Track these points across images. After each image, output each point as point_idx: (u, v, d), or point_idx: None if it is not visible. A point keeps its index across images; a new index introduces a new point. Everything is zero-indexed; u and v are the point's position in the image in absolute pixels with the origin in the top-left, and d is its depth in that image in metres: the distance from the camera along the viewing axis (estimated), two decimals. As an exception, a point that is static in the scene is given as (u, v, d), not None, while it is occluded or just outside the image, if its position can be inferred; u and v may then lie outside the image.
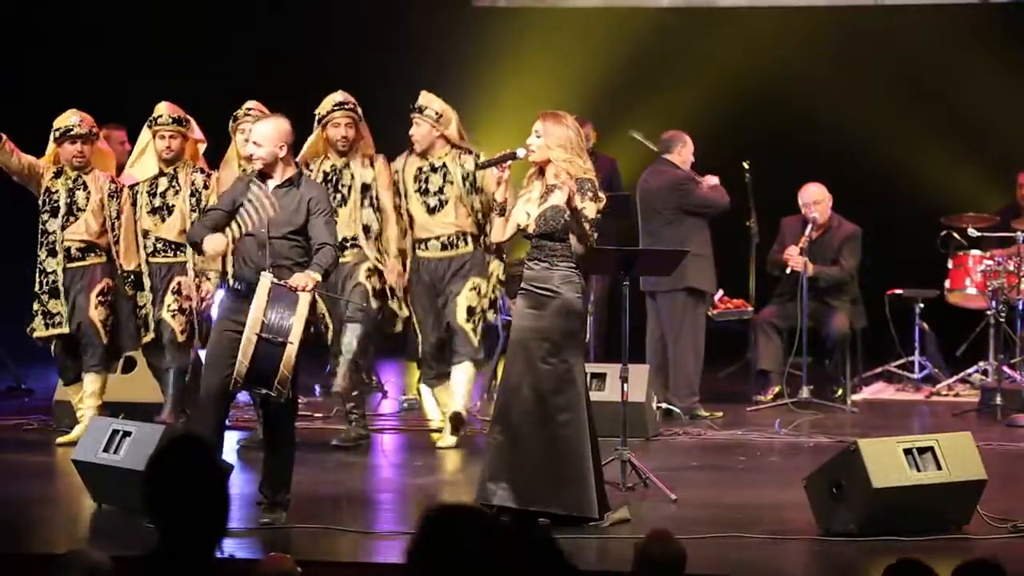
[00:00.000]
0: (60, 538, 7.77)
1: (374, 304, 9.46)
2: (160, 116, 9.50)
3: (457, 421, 9.48)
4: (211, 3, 13.76)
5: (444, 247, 9.50)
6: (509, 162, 7.53)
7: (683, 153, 10.97)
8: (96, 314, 9.52)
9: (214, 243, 7.38)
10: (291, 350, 7.01)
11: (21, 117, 10.13)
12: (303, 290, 7.08)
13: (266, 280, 7.09)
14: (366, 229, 9.48)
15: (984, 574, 4.43)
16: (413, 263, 9.56)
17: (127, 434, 7.75)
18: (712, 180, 10.92)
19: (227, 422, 7.82)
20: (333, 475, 8.77)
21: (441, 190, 9.47)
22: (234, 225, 7.46)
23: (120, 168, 10.05)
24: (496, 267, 9.64)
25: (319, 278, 7.21)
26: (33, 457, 9.38)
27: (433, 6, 14.14)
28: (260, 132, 7.45)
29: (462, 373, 9.51)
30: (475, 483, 7.64)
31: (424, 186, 9.51)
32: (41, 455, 9.41)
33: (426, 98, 9.55)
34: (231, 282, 7.56)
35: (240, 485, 8.04)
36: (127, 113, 10.74)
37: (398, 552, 7.00)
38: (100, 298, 9.53)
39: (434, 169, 9.51)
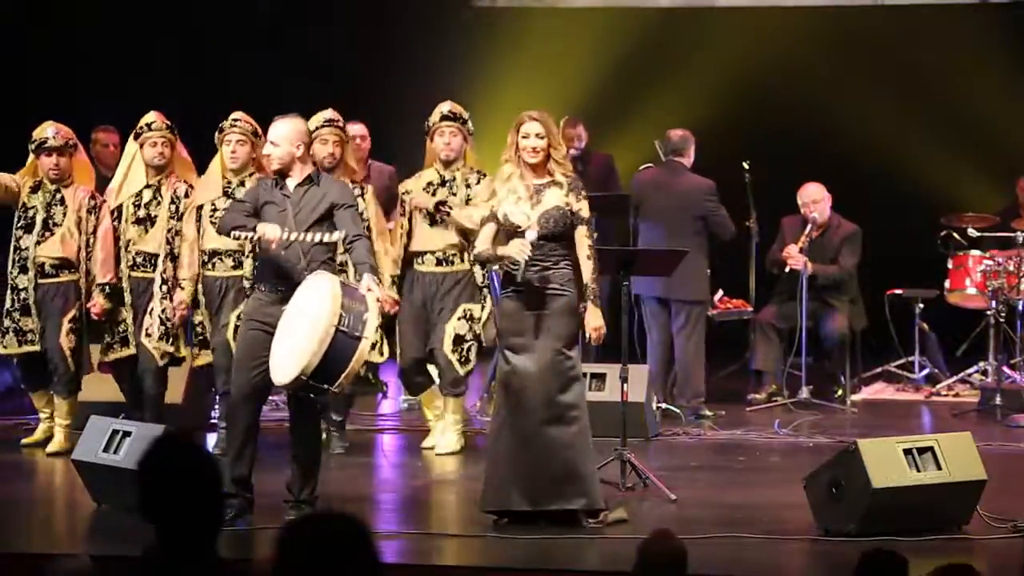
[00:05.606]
0: (60, 538, 7.78)
1: None
2: (153, 123, 9.33)
3: None
4: (205, 4, 13.76)
5: (439, 263, 9.40)
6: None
7: (691, 155, 10.92)
8: (66, 342, 9.37)
9: (271, 229, 7.30)
10: (365, 345, 7.00)
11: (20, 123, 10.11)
12: (369, 291, 7.09)
13: (330, 278, 7.08)
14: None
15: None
16: (409, 277, 9.46)
17: (127, 434, 7.76)
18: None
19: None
20: (333, 475, 8.76)
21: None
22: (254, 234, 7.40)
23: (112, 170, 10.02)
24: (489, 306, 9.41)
25: (378, 279, 7.30)
26: (32, 457, 9.39)
27: (432, 6, 14.14)
28: (277, 132, 7.52)
29: (450, 413, 9.43)
30: (472, 482, 7.64)
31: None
32: (40, 455, 9.41)
33: (458, 108, 9.41)
34: (260, 286, 7.50)
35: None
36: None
37: (397, 552, 7.03)
38: (71, 325, 9.39)
39: (443, 182, 9.44)
